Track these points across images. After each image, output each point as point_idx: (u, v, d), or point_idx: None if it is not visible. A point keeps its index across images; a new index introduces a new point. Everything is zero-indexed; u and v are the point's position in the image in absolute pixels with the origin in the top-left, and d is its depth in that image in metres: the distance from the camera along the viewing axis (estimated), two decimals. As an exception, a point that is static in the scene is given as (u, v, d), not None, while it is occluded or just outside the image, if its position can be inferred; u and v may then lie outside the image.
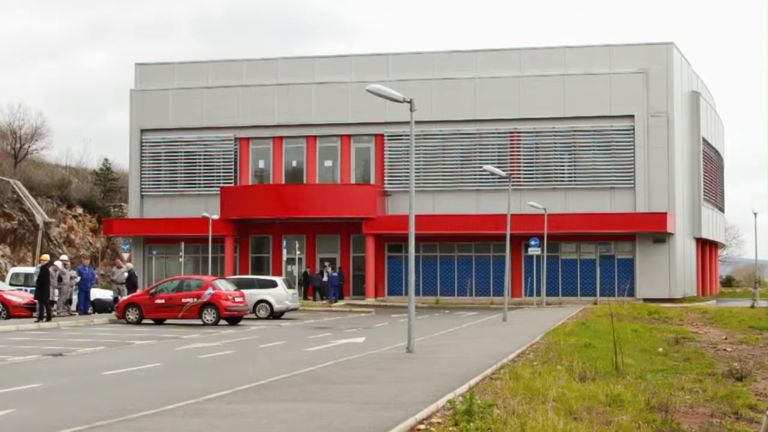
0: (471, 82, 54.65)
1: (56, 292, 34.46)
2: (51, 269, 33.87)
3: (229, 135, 57.54)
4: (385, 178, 55.45)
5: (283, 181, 56.82)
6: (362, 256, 55.45)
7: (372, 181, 55.58)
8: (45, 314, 32.29)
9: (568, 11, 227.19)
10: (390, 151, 55.47)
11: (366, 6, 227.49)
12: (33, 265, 50.19)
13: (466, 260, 55.26)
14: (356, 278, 56.38)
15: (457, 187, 54.65)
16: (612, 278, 53.37)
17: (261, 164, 57.86)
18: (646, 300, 49.77)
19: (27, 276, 38.72)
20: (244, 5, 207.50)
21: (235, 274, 53.42)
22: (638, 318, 35.02)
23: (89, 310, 37.09)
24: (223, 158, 57.76)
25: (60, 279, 34.91)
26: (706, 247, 64.76)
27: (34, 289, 33.98)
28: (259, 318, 37.86)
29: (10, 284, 38.66)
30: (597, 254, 54.08)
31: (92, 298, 37.55)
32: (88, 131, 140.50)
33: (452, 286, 55.19)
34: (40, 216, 62.03)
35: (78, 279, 36.52)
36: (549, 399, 13.33)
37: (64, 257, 37.91)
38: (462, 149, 54.83)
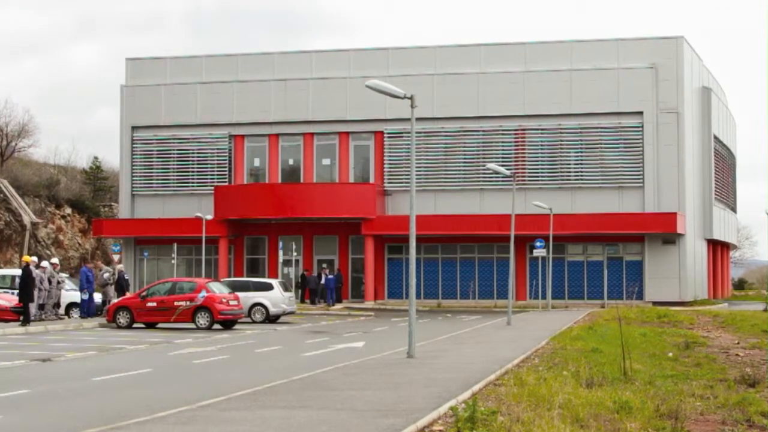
0: (475, 77, 54.00)
1: (45, 294, 33.83)
2: (39, 271, 33.24)
3: (223, 132, 56.92)
4: (385, 177, 54.87)
5: (280, 180, 56.31)
6: (361, 257, 54.91)
7: (371, 180, 55.03)
8: (31, 317, 31.71)
9: (575, 4, 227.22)
10: (390, 149, 54.88)
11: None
12: (20, 267, 49.63)
13: (468, 262, 54.72)
14: (355, 280, 55.89)
15: (460, 186, 54.07)
16: (620, 281, 52.78)
17: (256, 162, 57.30)
18: (655, 303, 49.28)
19: (14, 278, 38.12)
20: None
21: (229, 276, 53.27)
22: (647, 322, 34.87)
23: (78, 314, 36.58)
24: (218, 156, 57.16)
25: (48, 282, 34.26)
26: (718, 248, 64.36)
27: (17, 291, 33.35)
28: (254, 322, 37.56)
29: None
30: (605, 256, 53.56)
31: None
32: (77, 129, 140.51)
33: (454, 289, 54.67)
34: (28, 216, 61.67)
35: (66, 283, 36.02)
36: (555, 406, 13.29)
37: (54, 260, 37.26)
38: (465, 147, 54.22)
